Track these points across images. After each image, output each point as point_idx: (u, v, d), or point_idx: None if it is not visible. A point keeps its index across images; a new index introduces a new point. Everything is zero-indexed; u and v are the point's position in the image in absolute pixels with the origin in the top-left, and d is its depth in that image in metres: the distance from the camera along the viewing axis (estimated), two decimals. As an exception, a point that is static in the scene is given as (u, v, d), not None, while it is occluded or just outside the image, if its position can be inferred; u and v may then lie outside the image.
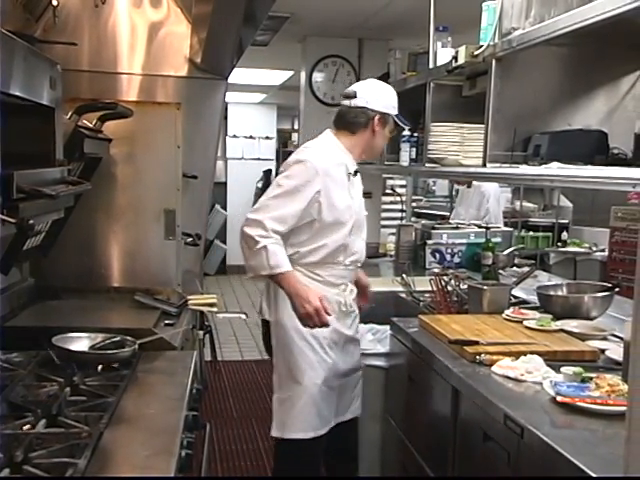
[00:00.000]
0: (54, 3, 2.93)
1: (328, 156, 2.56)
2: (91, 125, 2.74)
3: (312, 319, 2.40)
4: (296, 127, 10.31)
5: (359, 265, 2.70)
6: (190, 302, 2.94)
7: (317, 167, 2.47)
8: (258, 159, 10.33)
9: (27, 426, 1.61)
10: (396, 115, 2.63)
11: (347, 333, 2.67)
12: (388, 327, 2.93)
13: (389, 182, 6.70)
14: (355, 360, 2.74)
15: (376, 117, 2.59)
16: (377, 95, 2.61)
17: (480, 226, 4.67)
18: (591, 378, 1.90)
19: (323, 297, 2.43)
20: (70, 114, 2.47)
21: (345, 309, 2.64)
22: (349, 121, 2.60)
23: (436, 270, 3.85)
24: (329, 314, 2.43)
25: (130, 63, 3.37)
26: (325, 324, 2.42)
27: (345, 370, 2.68)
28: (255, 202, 9.31)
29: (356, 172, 2.62)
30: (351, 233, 2.57)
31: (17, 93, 1.71)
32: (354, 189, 2.62)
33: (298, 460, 2.61)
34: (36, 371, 2.00)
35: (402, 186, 6.67)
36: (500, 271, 3.74)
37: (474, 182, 5.88)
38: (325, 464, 2.84)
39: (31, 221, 1.65)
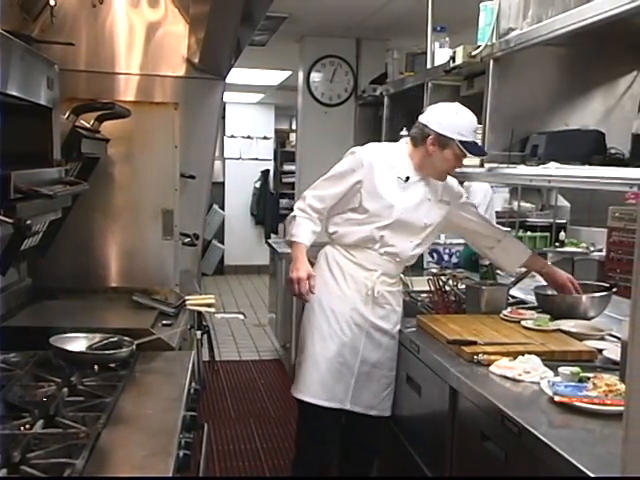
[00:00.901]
0: (51, 3, 2.93)
1: (381, 154, 2.73)
2: (89, 125, 2.74)
3: (293, 285, 2.70)
4: (294, 127, 10.30)
5: (398, 259, 2.75)
6: (188, 302, 2.94)
7: (363, 159, 2.69)
8: (256, 159, 10.33)
9: (25, 426, 1.61)
10: (462, 141, 2.59)
11: (375, 321, 2.72)
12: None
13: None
14: (387, 355, 2.76)
15: (430, 136, 2.63)
16: (440, 117, 2.64)
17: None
18: (588, 378, 1.90)
19: (313, 276, 2.70)
20: (67, 114, 2.47)
21: (371, 294, 2.71)
22: (412, 134, 2.75)
23: (434, 270, 3.85)
24: (312, 292, 2.70)
25: (128, 63, 3.36)
26: (302, 295, 2.70)
27: (373, 360, 2.73)
28: (253, 202, 9.37)
29: (407, 178, 2.69)
30: (388, 228, 2.67)
31: (14, 93, 1.70)
32: (406, 193, 2.69)
33: (304, 421, 2.82)
34: (34, 371, 2.00)
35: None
36: (498, 271, 3.74)
37: (465, 183, 5.88)
38: (341, 455, 2.92)
39: (28, 221, 1.64)
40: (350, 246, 2.74)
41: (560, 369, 1.99)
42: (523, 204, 6.85)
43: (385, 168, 2.69)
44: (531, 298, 2.96)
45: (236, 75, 5.79)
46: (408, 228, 2.71)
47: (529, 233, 6.40)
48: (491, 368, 2.11)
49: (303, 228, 2.72)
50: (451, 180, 2.87)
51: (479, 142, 2.70)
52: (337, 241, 2.78)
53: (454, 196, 2.89)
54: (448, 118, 2.63)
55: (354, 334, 2.71)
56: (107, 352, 2.09)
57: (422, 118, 2.70)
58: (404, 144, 2.79)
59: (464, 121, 2.63)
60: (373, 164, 2.68)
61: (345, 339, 2.70)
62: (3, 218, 1.54)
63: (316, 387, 2.70)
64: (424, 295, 3.25)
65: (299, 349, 2.84)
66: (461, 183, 6.08)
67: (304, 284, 2.67)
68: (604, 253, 5.54)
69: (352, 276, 2.72)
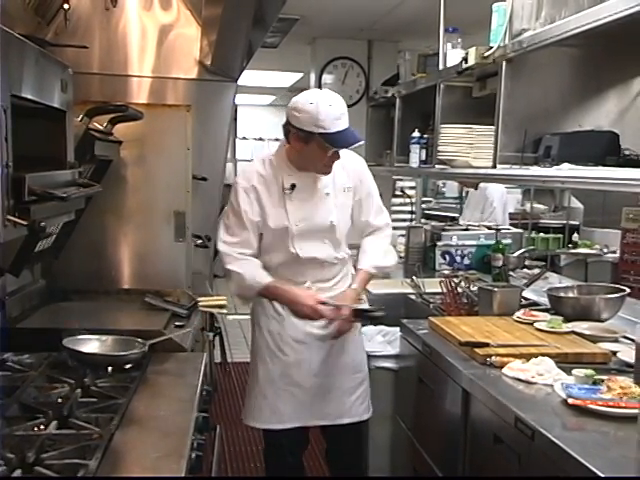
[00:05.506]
0: (65, 7, 2.95)
1: (258, 173, 2.53)
2: (102, 128, 2.75)
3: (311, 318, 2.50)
4: (305, 129, 10.31)
5: (326, 264, 2.57)
6: (200, 304, 2.95)
7: (244, 188, 2.51)
8: (268, 161, 10.34)
9: (39, 427, 1.62)
10: (323, 134, 2.35)
11: (317, 332, 2.59)
12: (398, 329, 2.92)
13: (399, 184, 6.70)
14: (345, 360, 2.64)
15: (292, 132, 2.44)
16: (296, 109, 2.40)
17: (490, 228, 4.66)
18: (603, 380, 1.89)
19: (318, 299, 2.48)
20: (81, 117, 2.48)
21: None
22: (284, 131, 2.51)
23: (446, 272, 3.85)
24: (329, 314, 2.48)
25: (140, 66, 3.38)
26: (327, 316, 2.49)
27: (327, 370, 2.61)
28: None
29: (293, 186, 2.49)
30: (297, 242, 2.51)
31: (29, 96, 1.72)
32: (298, 201, 2.51)
33: (266, 447, 2.76)
34: (47, 372, 2.01)
35: (412, 187, 6.66)
36: (510, 273, 3.73)
37: (480, 184, 5.87)
38: (328, 465, 2.88)
39: (42, 223, 1.66)
40: (274, 266, 2.56)
41: (574, 371, 1.98)
42: (536, 205, 6.84)
43: (268, 186, 2.50)
44: (544, 300, 2.94)
45: (248, 77, 5.81)
46: (317, 233, 2.53)
47: (542, 234, 6.38)
48: (504, 370, 2.10)
49: (250, 271, 2.50)
50: (351, 161, 2.61)
51: (344, 128, 2.38)
52: (262, 263, 2.58)
53: (356, 177, 2.62)
54: (304, 110, 2.37)
55: (296, 351, 2.58)
56: (120, 353, 2.10)
57: (287, 113, 2.46)
58: (282, 146, 2.57)
59: (321, 111, 2.34)
60: (255, 187, 2.50)
61: (287, 359, 2.58)
62: (17, 220, 1.56)
63: (267, 413, 2.59)
64: (436, 297, 3.25)
65: (248, 377, 2.74)
66: (476, 184, 6.11)
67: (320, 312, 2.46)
68: (618, 255, 5.51)
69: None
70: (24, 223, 1.58)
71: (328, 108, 2.36)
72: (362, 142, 2.44)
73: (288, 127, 2.45)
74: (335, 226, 2.55)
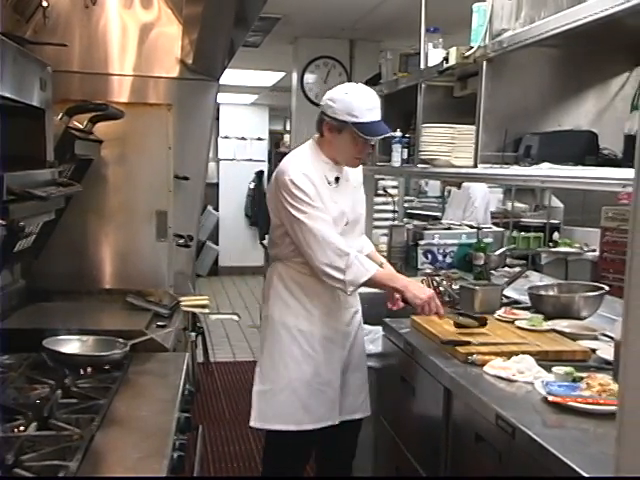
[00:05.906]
0: (44, 4, 2.92)
1: (307, 167, 2.51)
2: (82, 126, 2.73)
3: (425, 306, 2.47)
4: (288, 128, 10.30)
5: None
6: (182, 303, 2.94)
7: (306, 180, 2.46)
8: (250, 160, 10.32)
9: (18, 429, 1.61)
10: (355, 123, 2.43)
11: (344, 329, 2.65)
12: (380, 328, 2.93)
13: (381, 183, 6.70)
14: (357, 356, 2.72)
15: (325, 122, 2.51)
16: (331, 100, 2.49)
17: (472, 226, 4.67)
18: (582, 378, 1.90)
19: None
20: (61, 115, 2.46)
21: (338, 299, 2.60)
22: (316, 123, 2.59)
23: (428, 270, 3.86)
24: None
25: (121, 64, 3.36)
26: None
27: (347, 366, 2.67)
28: (247, 203, 9.23)
29: (337, 179, 2.55)
30: (344, 234, 2.54)
31: (7, 94, 1.70)
32: (342, 192, 2.57)
33: (282, 451, 2.64)
34: (27, 373, 1.99)
35: (394, 187, 6.68)
36: (492, 271, 3.75)
37: (464, 183, 5.89)
38: (319, 460, 2.86)
39: (22, 223, 1.65)
40: (302, 262, 2.53)
41: (554, 369, 1.99)
42: (517, 204, 6.87)
43: (316, 179, 2.49)
44: (525, 298, 2.96)
45: (230, 76, 5.79)
46: (350, 225, 2.60)
47: (523, 233, 6.41)
48: (485, 368, 2.11)
49: (362, 256, 2.51)
50: None
51: (377, 119, 2.48)
52: (292, 259, 2.56)
53: (361, 174, 2.75)
54: (338, 100, 2.47)
55: (328, 350, 2.59)
56: (101, 354, 2.09)
57: (321, 102, 2.57)
58: (313, 142, 2.61)
59: (355, 101, 2.44)
60: (309, 177, 2.47)
61: (320, 358, 2.57)
62: (-4, 220, 1.54)
63: (300, 414, 2.54)
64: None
65: (265, 381, 2.60)
66: (460, 183, 6.12)
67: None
68: (598, 253, 5.57)
69: (315, 291, 2.55)
70: (3, 223, 1.56)
71: (362, 99, 2.47)
72: (392, 134, 2.62)
73: (322, 117, 2.53)
74: (362, 218, 2.71)
